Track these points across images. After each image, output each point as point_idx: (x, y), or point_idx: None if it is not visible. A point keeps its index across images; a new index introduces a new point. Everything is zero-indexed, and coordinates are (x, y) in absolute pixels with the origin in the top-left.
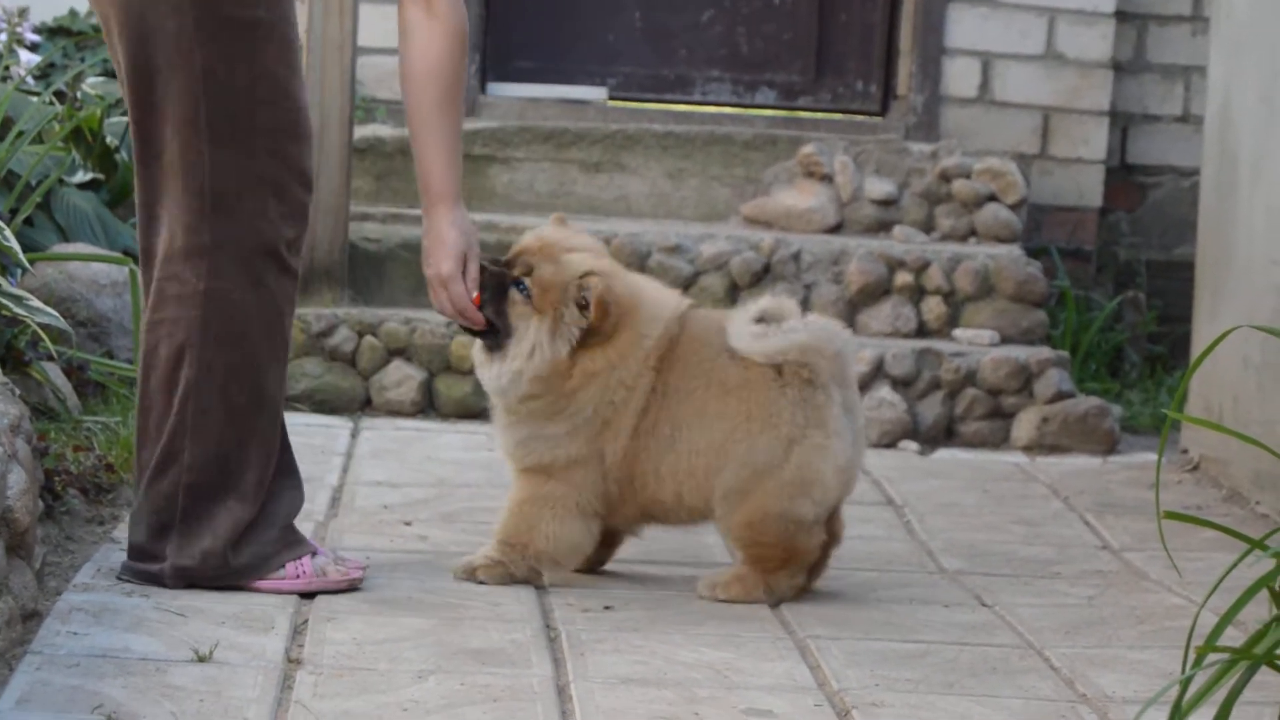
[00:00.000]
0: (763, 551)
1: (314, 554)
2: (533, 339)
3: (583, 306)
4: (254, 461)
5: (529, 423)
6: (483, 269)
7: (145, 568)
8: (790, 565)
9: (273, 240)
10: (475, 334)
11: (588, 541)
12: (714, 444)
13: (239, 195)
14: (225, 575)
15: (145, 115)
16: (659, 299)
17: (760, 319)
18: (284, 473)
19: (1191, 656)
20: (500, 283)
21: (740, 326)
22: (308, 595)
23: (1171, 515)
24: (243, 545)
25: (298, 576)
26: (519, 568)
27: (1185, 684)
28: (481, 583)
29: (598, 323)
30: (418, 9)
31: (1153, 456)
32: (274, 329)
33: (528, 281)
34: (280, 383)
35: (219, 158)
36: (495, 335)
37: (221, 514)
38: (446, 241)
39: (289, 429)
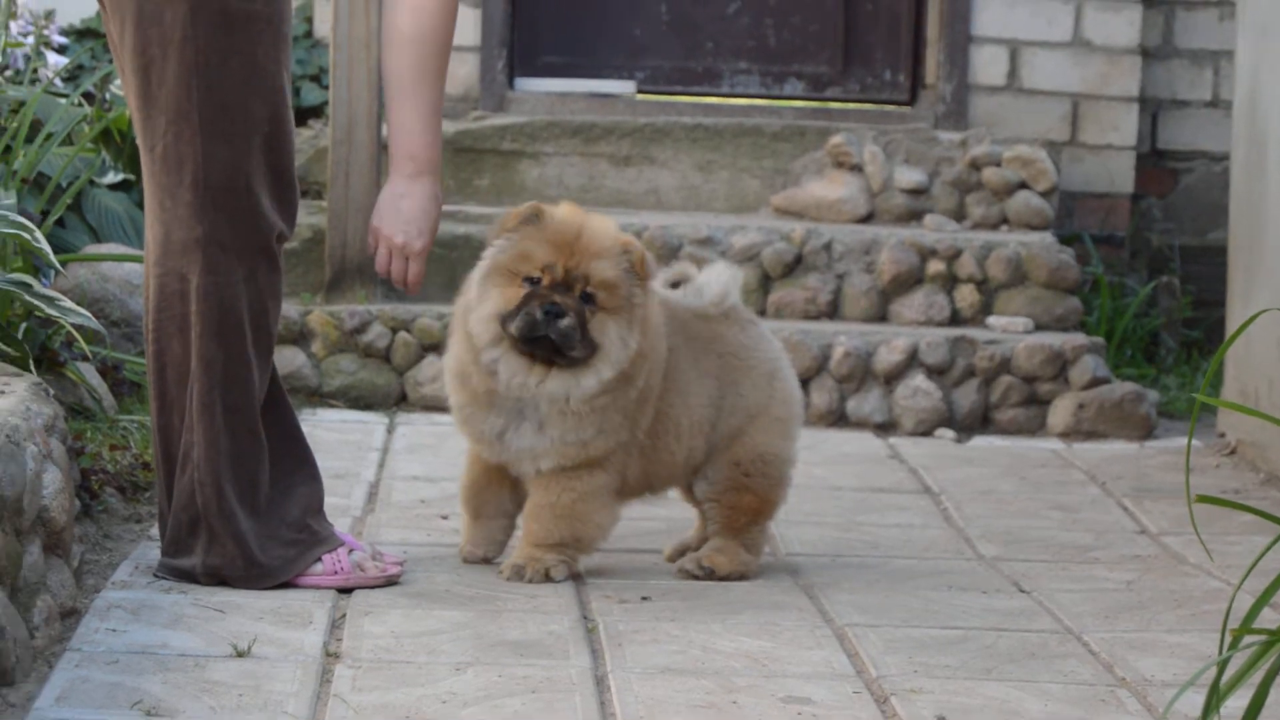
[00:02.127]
0: (740, 500)
1: (351, 549)
2: (617, 337)
3: (641, 276)
4: (257, 458)
5: (594, 418)
6: (536, 296)
7: (178, 564)
8: (761, 517)
9: (265, 234)
10: (541, 352)
11: (618, 519)
12: (711, 397)
13: (231, 189)
14: (253, 576)
15: (144, 105)
16: None
17: (675, 284)
18: (297, 466)
19: (1228, 639)
20: (564, 310)
21: (685, 291)
22: (345, 590)
23: (1204, 499)
24: (265, 544)
25: (335, 572)
26: (575, 562)
27: (1222, 666)
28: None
29: (649, 278)
30: None
31: (1193, 441)
32: (260, 324)
33: (591, 290)
34: (265, 379)
35: (211, 150)
36: (562, 350)
37: (236, 512)
38: (430, 214)
39: (325, 425)
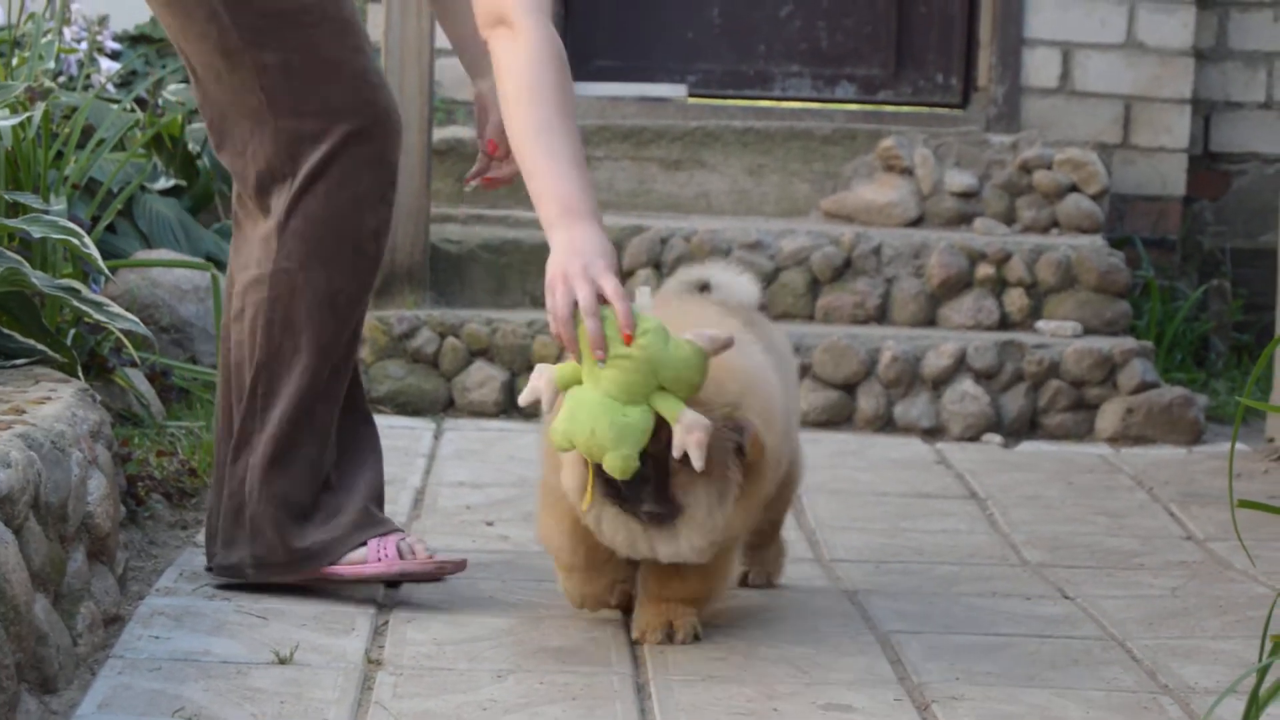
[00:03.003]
0: (780, 506)
1: (403, 538)
2: (705, 502)
3: (740, 452)
4: (314, 445)
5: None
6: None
7: (226, 558)
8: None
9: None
10: (627, 508)
11: None
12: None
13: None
14: (294, 562)
15: (214, 111)
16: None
17: (703, 288)
18: (367, 453)
19: (1268, 646)
20: (660, 464)
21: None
22: (393, 585)
23: (1246, 504)
24: (308, 529)
25: (379, 559)
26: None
27: (1262, 673)
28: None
29: (756, 459)
30: (499, 38)
31: (1240, 446)
32: (329, 314)
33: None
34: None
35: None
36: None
37: (282, 500)
38: (609, 251)
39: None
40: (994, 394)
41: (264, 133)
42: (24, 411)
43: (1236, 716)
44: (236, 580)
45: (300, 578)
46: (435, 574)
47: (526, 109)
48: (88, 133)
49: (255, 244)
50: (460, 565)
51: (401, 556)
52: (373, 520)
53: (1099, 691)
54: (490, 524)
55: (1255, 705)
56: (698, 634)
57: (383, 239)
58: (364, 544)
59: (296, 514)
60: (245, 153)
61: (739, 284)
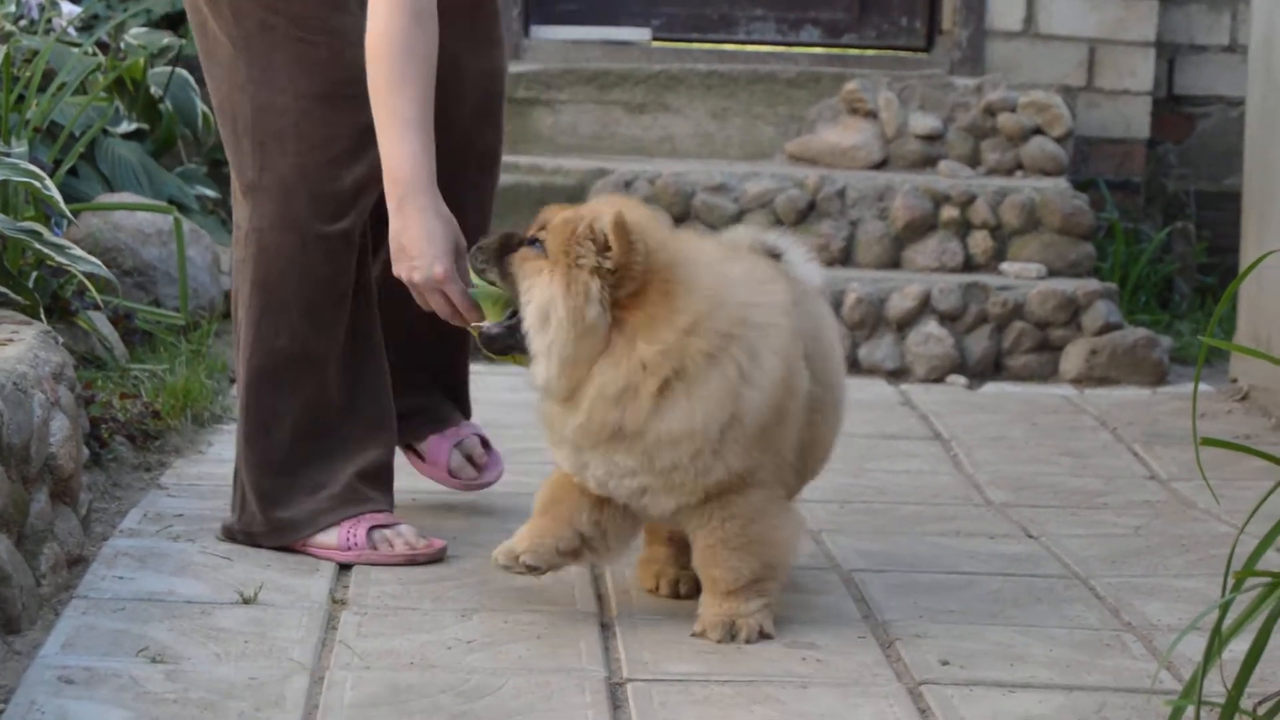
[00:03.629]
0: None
1: (376, 526)
2: (541, 302)
3: (603, 246)
4: (305, 413)
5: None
6: (477, 247)
7: (225, 519)
8: None
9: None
10: (496, 347)
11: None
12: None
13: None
14: (272, 532)
15: (261, 89)
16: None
17: (775, 255)
18: (374, 429)
19: (1230, 583)
20: (507, 243)
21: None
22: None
23: (1209, 442)
24: (290, 497)
25: (350, 547)
26: (778, 596)
27: (1224, 610)
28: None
29: (622, 256)
30: None
31: (1204, 387)
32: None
33: (542, 235)
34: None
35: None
36: (511, 332)
37: (267, 467)
38: (434, 236)
39: None
40: (958, 336)
41: None
42: None
43: (1198, 653)
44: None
45: (275, 545)
46: (406, 562)
47: (375, 68)
48: (49, 76)
49: (237, 204)
50: (436, 555)
51: (375, 545)
52: (356, 497)
53: (1062, 629)
54: None
55: (1217, 641)
56: (766, 631)
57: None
58: (338, 524)
59: (278, 480)
60: None
61: (806, 268)
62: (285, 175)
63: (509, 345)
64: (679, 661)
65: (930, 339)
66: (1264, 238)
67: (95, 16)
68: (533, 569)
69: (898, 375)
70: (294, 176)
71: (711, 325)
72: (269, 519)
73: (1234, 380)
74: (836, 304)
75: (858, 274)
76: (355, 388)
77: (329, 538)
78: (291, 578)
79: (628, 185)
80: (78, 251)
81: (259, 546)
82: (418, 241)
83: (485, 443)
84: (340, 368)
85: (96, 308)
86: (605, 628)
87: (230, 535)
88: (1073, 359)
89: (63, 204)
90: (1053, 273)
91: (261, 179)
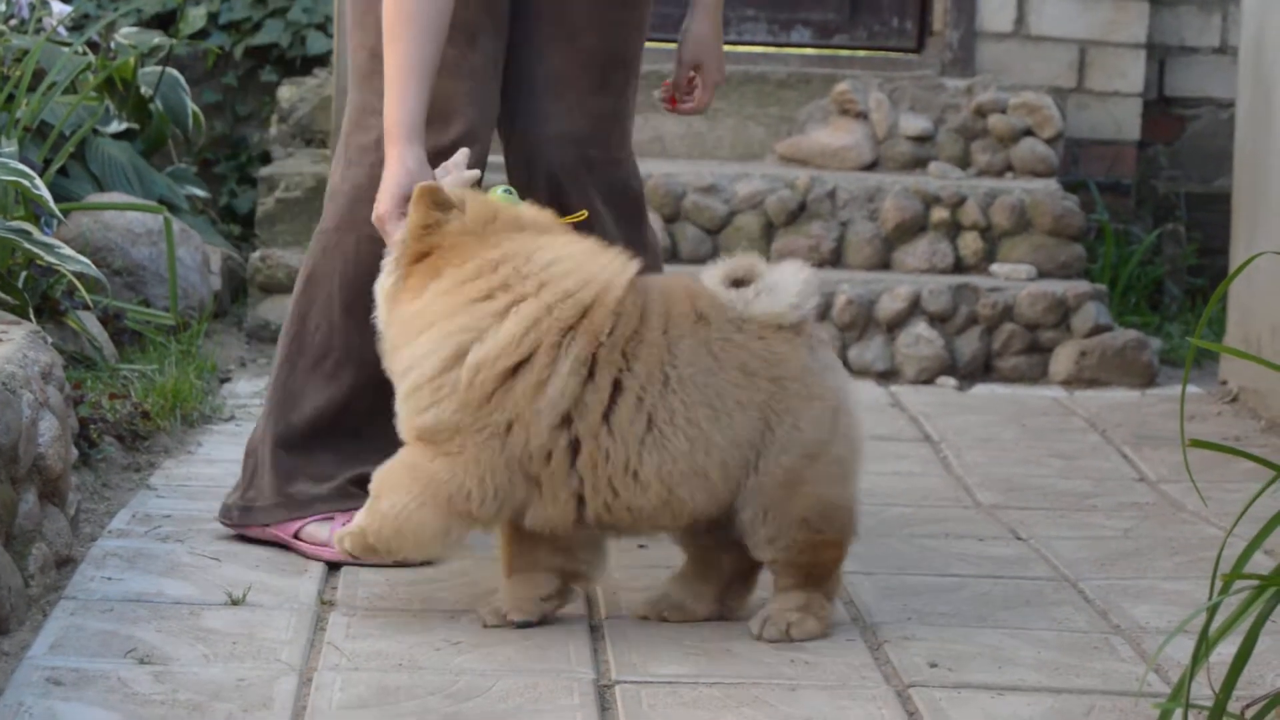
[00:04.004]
0: (821, 557)
1: None
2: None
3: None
4: (327, 400)
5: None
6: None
7: (224, 498)
8: (840, 563)
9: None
10: None
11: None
12: (741, 437)
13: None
14: (278, 506)
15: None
16: (580, 252)
17: (737, 282)
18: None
19: (1218, 585)
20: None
21: (751, 292)
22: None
23: (1198, 444)
24: (299, 477)
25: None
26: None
27: (1212, 612)
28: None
29: (418, 223)
30: None
31: (1193, 389)
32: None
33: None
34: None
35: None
36: None
37: (287, 445)
38: (390, 178)
39: None
40: (948, 337)
41: None
42: None
43: (1187, 655)
44: (224, 523)
45: (274, 527)
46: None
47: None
48: (39, 76)
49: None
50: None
51: None
52: (352, 494)
53: (1050, 632)
54: None
55: (1205, 644)
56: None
57: None
58: (332, 517)
59: (293, 458)
60: None
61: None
62: (360, 184)
63: None
64: (667, 663)
65: (920, 340)
66: (1254, 240)
67: (86, 16)
68: (525, 625)
69: (887, 377)
70: (368, 186)
71: None
72: (279, 492)
73: (1224, 382)
74: (826, 305)
75: (848, 275)
76: (379, 403)
77: (321, 530)
78: (280, 579)
79: None
80: (67, 251)
81: (250, 526)
82: (383, 182)
83: None
84: (371, 376)
85: (86, 307)
86: (594, 629)
87: (227, 514)
88: (1062, 361)
89: (52, 203)
90: (1043, 274)
91: (341, 185)
